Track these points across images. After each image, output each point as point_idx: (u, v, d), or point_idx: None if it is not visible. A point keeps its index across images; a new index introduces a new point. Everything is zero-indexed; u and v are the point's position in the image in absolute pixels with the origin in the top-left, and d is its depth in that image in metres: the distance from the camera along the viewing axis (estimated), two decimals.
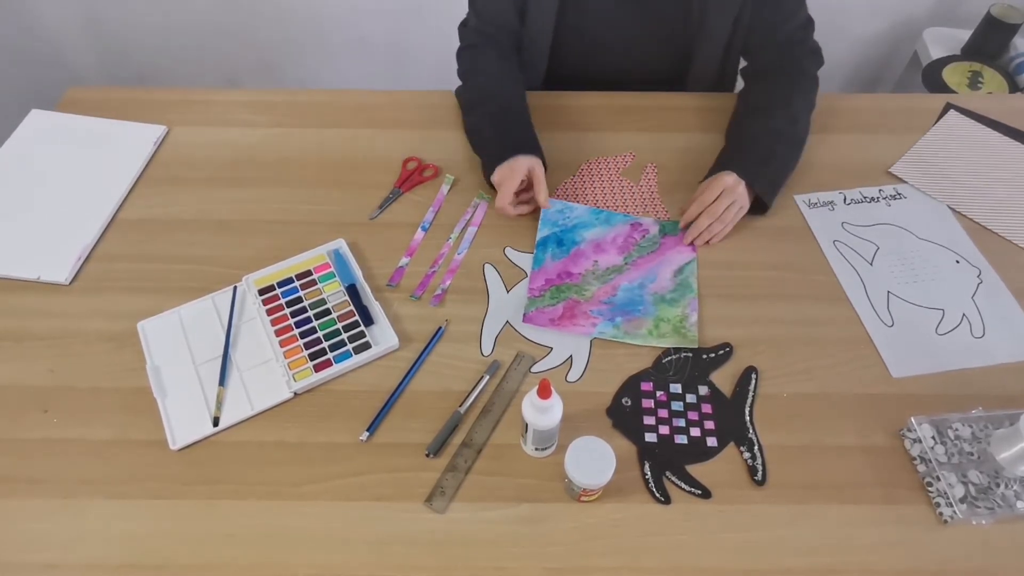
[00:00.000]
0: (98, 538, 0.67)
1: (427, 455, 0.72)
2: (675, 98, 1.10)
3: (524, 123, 0.99)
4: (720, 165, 0.93)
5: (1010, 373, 0.79)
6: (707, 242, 0.90)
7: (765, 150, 0.93)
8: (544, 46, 1.07)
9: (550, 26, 1.04)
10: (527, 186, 0.93)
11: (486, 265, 0.89)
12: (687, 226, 0.91)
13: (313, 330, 0.81)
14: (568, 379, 0.78)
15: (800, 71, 1.02)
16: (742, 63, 1.10)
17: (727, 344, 0.81)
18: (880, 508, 0.69)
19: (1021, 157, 1.03)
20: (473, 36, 1.06)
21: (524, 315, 0.83)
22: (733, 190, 0.89)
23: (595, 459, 0.65)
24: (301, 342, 0.80)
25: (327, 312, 0.83)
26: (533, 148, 0.94)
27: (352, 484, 0.70)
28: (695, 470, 0.71)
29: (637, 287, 0.87)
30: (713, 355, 0.80)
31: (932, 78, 1.64)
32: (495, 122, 0.98)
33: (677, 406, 0.76)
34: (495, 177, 0.92)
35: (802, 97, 1.00)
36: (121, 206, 0.95)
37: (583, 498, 0.69)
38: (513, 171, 0.90)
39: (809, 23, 1.03)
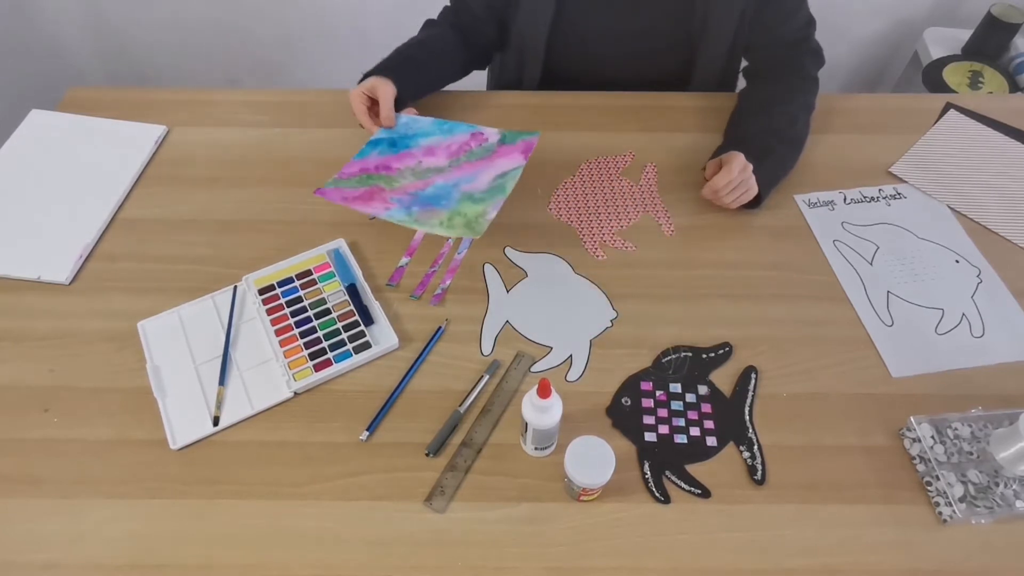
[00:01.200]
0: (98, 538, 0.67)
1: (427, 455, 0.72)
2: (675, 98, 1.10)
3: (409, 63, 1.00)
4: (719, 154, 0.93)
5: (1009, 373, 0.79)
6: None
7: (763, 146, 0.93)
8: (539, 51, 1.07)
9: (544, 31, 1.04)
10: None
11: (486, 265, 0.89)
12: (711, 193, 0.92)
13: (313, 330, 0.81)
14: (568, 379, 0.78)
15: (801, 71, 1.02)
16: (743, 63, 1.10)
17: (727, 344, 0.81)
18: (879, 508, 0.69)
19: (1021, 157, 1.03)
20: (439, 16, 1.10)
21: (319, 189, 0.83)
22: (745, 168, 0.89)
23: (595, 459, 0.65)
24: (301, 342, 0.80)
25: (327, 312, 0.83)
26: (393, 76, 0.94)
27: (352, 484, 0.70)
28: (695, 470, 0.72)
29: (451, 185, 0.85)
30: (713, 355, 0.80)
31: (932, 78, 1.64)
32: (392, 55, 1.00)
33: (677, 406, 0.76)
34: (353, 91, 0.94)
35: (802, 97, 1.00)
36: (121, 206, 0.95)
37: (583, 498, 0.69)
38: (361, 88, 0.93)
39: (810, 23, 1.03)
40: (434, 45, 1.06)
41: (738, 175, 0.88)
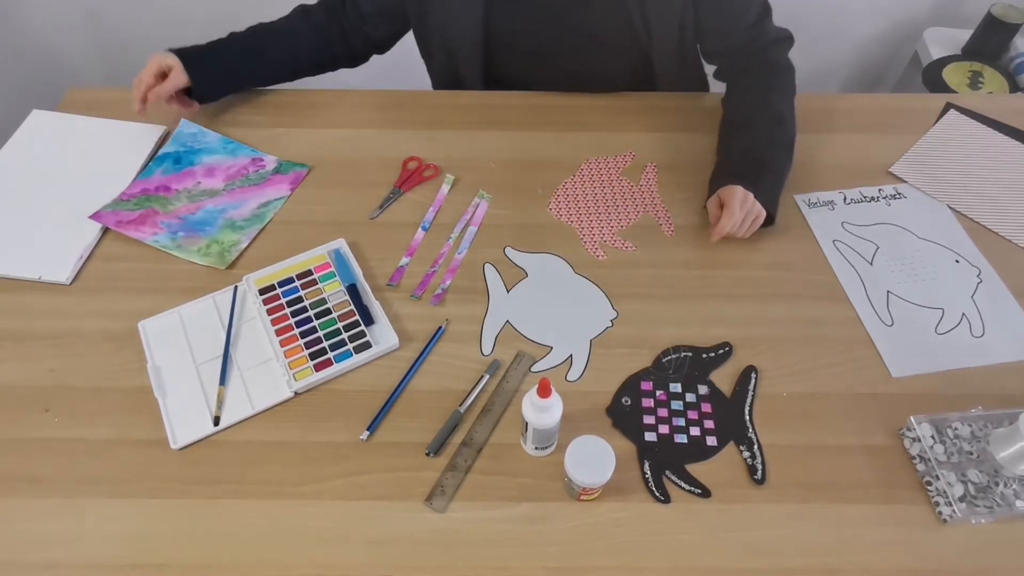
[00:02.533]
0: (99, 537, 0.67)
1: (427, 454, 0.72)
2: (675, 98, 1.10)
3: (225, 60, 1.02)
4: (715, 186, 0.90)
5: (1009, 372, 0.79)
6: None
7: (756, 164, 0.90)
8: (474, 52, 1.04)
9: (476, 33, 1.01)
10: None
11: (486, 265, 0.89)
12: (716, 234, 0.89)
13: (313, 330, 0.81)
14: (568, 378, 0.79)
15: (770, 64, 0.99)
16: (711, 68, 1.08)
17: (727, 343, 0.81)
18: (879, 507, 0.69)
19: (1021, 157, 1.03)
20: (316, 4, 1.09)
21: (97, 213, 0.89)
22: (745, 200, 0.86)
23: (595, 458, 0.65)
24: (301, 341, 0.80)
25: (327, 312, 0.83)
26: (190, 62, 0.97)
27: (352, 483, 0.70)
28: (695, 469, 0.72)
29: (219, 211, 0.93)
30: (713, 354, 0.80)
31: (932, 78, 1.64)
32: (215, 44, 1.02)
33: (677, 405, 0.76)
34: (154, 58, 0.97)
35: (779, 93, 0.98)
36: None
37: (583, 497, 0.69)
38: (158, 64, 0.96)
39: (763, 14, 0.99)
40: (276, 41, 1.05)
41: (739, 212, 0.85)
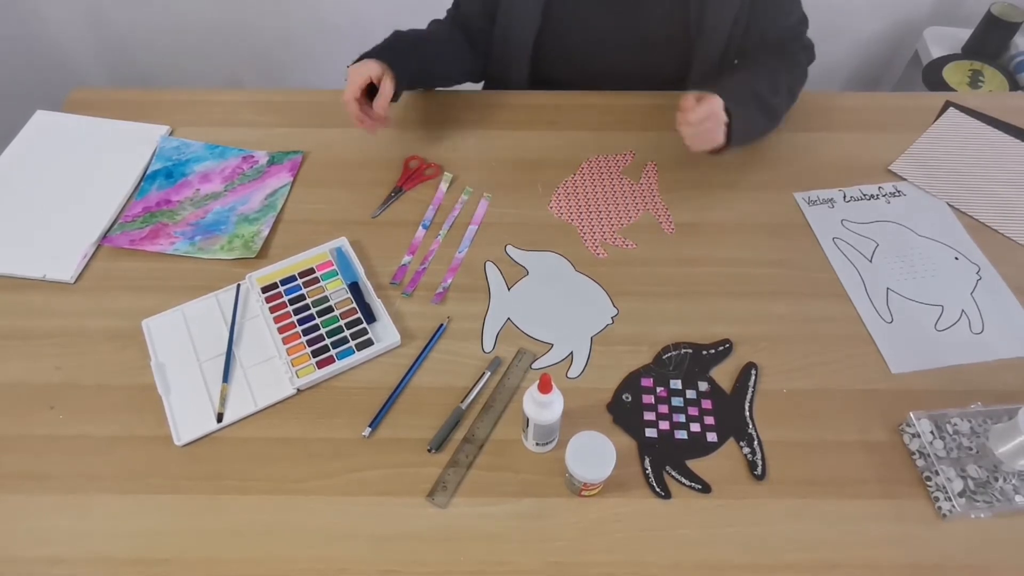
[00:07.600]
0: (103, 533, 0.67)
1: (429, 451, 0.73)
2: (675, 98, 1.09)
3: (410, 52, 0.98)
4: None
5: (1008, 368, 0.79)
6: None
7: (740, 101, 0.90)
8: (524, 56, 1.06)
9: (530, 38, 1.04)
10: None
11: (487, 263, 0.90)
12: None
13: (316, 327, 0.82)
14: (569, 375, 0.79)
15: (791, 57, 1.02)
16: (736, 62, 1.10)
17: (727, 340, 0.81)
18: (879, 503, 0.69)
19: (1020, 155, 1.03)
20: (447, 15, 1.10)
21: (106, 237, 0.90)
22: (722, 116, 0.87)
23: (596, 454, 0.66)
24: (304, 339, 0.81)
25: (330, 309, 0.84)
26: (393, 64, 0.92)
27: (354, 480, 0.71)
28: (695, 465, 0.72)
29: (228, 210, 0.94)
30: (713, 351, 0.80)
31: (932, 77, 1.64)
32: (394, 38, 0.99)
33: (677, 402, 0.76)
34: (350, 69, 0.91)
35: (788, 77, 0.99)
36: (125, 205, 0.96)
37: (584, 493, 0.69)
38: (362, 68, 0.90)
39: (803, 21, 1.03)
40: (439, 36, 1.06)
41: (706, 113, 0.85)
